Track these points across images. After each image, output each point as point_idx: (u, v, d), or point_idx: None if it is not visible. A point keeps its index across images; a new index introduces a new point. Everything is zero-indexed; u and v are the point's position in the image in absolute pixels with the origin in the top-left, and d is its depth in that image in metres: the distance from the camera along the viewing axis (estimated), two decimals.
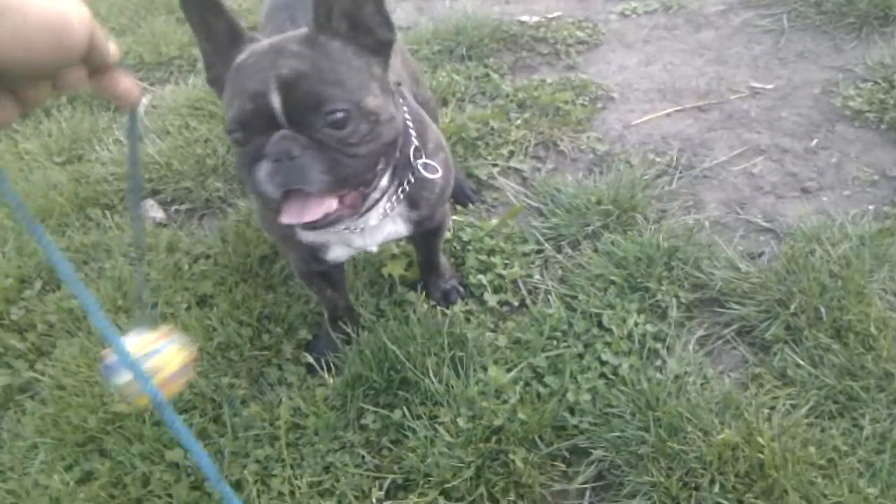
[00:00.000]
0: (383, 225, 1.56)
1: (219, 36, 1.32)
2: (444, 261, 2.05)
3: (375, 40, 1.31)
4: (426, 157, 1.53)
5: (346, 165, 1.23)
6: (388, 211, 1.52)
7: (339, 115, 1.20)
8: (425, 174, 1.51)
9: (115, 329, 0.76)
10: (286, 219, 1.24)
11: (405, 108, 1.49)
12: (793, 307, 1.81)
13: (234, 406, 1.81)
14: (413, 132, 1.51)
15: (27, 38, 0.57)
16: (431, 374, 1.75)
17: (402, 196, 1.52)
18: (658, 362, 1.79)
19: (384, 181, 1.42)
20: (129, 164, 0.68)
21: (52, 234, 2.43)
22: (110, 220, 2.47)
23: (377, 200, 1.46)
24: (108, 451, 1.74)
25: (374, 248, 1.65)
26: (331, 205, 1.25)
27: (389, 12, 1.31)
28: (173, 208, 2.56)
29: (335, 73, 1.22)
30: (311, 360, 1.88)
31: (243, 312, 2.01)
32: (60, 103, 3.19)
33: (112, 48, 0.69)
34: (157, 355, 0.81)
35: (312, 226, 1.25)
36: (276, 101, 1.18)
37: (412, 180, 1.51)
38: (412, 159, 1.50)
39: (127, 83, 0.73)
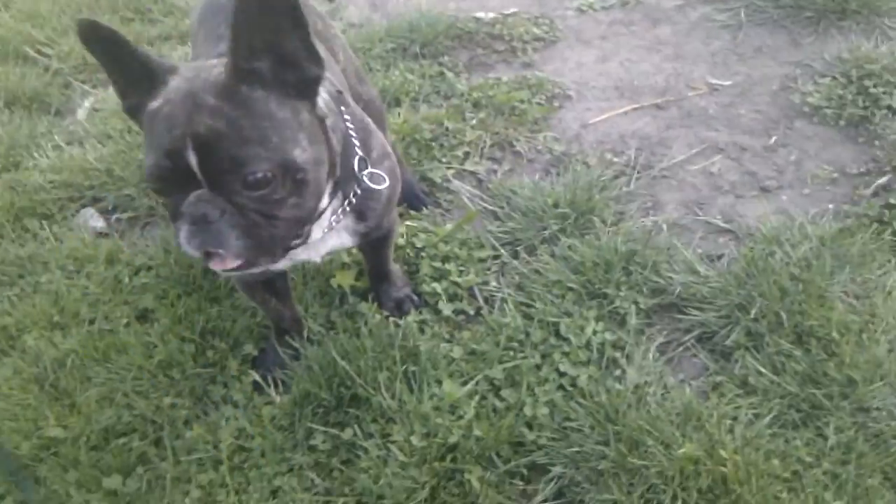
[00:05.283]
0: (327, 238, 1.49)
1: (132, 69, 1.21)
2: (396, 269, 1.98)
3: (302, 77, 1.20)
4: (371, 167, 1.46)
5: (264, 231, 1.20)
6: (333, 224, 1.45)
7: (259, 175, 1.14)
8: (372, 185, 1.45)
9: None
10: (213, 265, 1.23)
11: (347, 117, 1.42)
12: (753, 312, 1.77)
13: (175, 427, 1.72)
14: (357, 142, 1.44)
15: None
16: (383, 390, 1.68)
17: (347, 209, 1.45)
18: (617, 372, 1.74)
19: (325, 197, 1.36)
20: None
21: None
22: (48, 230, 2.34)
23: (320, 214, 1.38)
24: (43, 479, 1.64)
25: (318, 260, 1.57)
26: None
27: (316, 45, 1.20)
28: (114, 217, 2.44)
29: (257, 130, 1.14)
30: (257, 377, 1.79)
31: (186, 327, 1.91)
32: None
33: None
34: None
35: (236, 271, 1.25)
36: (193, 161, 1.11)
37: (358, 192, 1.45)
38: (357, 170, 1.42)
39: None
